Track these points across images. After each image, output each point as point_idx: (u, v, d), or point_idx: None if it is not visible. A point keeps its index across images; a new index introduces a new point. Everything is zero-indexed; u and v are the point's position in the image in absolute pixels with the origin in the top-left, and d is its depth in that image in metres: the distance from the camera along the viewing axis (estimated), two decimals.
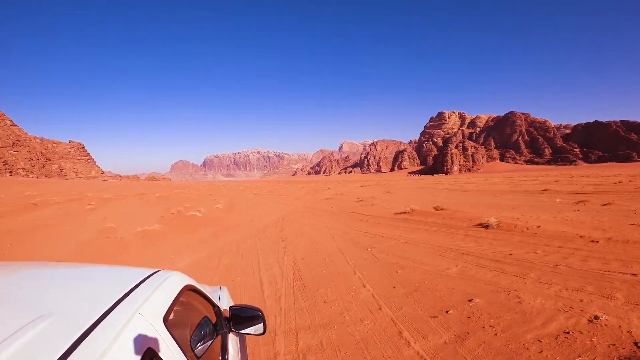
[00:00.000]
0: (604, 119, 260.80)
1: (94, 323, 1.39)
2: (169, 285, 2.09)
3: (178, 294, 2.11)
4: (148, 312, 1.66)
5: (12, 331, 1.26)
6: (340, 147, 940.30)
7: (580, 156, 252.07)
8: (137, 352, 1.40)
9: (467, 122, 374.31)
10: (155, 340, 1.56)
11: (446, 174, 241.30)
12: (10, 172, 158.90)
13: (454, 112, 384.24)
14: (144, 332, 1.52)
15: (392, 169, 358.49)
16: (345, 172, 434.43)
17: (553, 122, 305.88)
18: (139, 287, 1.87)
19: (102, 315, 1.47)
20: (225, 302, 3.44)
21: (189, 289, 2.37)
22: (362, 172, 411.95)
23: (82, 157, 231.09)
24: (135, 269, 2.27)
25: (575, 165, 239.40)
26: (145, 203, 30.84)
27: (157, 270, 2.26)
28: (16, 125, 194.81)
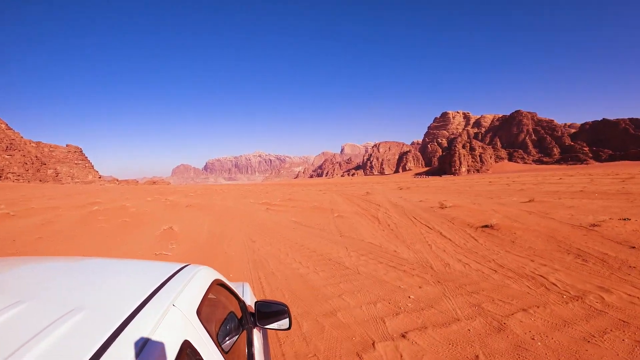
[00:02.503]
0: (605, 117, 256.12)
1: (129, 316, 1.40)
2: (199, 279, 2.13)
3: (209, 287, 2.16)
4: (182, 305, 1.70)
5: (45, 325, 1.25)
6: (342, 150, 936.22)
7: (591, 155, 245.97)
8: (175, 344, 1.42)
9: (471, 122, 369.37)
10: (191, 332, 1.59)
11: (454, 174, 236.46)
12: (0, 176, 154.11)
13: (458, 112, 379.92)
14: (180, 324, 1.56)
15: (396, 171, 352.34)
16: (348, 175, 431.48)
17: (557, 122, 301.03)
18: (171, 280, 1.90)
19: (137, 308, 1.48)
20: (249, 298, 3.54)
21: (217, 284, 2.41)
22: (365, 174, 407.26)
23: (80, 162, 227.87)
24: (165, 263, 2.32)
25: (587, 164, 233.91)
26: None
27: (186, 264, 2.30)
28: (11, 129, 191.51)
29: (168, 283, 1.83)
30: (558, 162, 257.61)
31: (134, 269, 2.17)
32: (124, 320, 1.34)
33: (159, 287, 1.74)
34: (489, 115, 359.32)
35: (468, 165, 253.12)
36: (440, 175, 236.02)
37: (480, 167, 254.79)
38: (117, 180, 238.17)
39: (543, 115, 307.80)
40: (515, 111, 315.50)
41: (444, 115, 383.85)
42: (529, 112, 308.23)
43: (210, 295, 2.20)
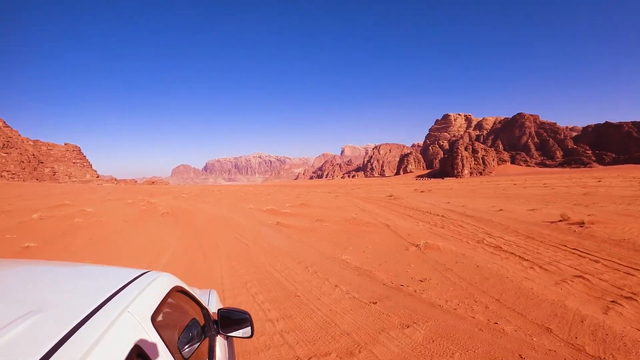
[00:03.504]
0: (607, 120, 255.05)
1: (82, 319, 1.43)
2: (157, 286, 2.12)
3: (167, 294, 2.14)
4: (136, 311, 1.70)
5: (1, 325, 1.31)
6: (342, 151, 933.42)
7: (594, 158, 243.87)
8: (123, 349, 1.45)
9: (473, 124, 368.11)
10: (142, 339, 1.60)
11: (457, 177, 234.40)
12: None
13: (459, 115, 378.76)
14: (131, 330, 1.57)
15: (397, 173, 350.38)
16: (348, 176, 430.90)
17: (560, 125, 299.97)
18: (128, 286, 1.91)
19: (91, 312, 1.51)
20: (214, 305, 3.55)
21: (177, 290, 2.39)
22: (366, 176, 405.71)
23: (78, 160, 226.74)
24: (126, 269, 2.31)
25: (590, 167, 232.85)
26: None
27: (147, 270, 2.29)
28: (8, 127, 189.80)
29: (125, 288, 1.84)
30: (561, 165, 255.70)
31: (95, 274, 2.20)
32: (77, 324, 1.37)
33: (116, 292, 1.76)
34: (491, 117, 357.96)
35: (470, 168, 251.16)
36: (442, 177, 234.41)
37: (483, 170, 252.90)
38: (115, 179, 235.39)
39: (545, 118, 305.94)
40: (518, 114, 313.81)
41: (446, 117, 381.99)
42: (531, 115, 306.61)
43: (171, 301, 2.20)
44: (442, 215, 19.73)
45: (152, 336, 1.66)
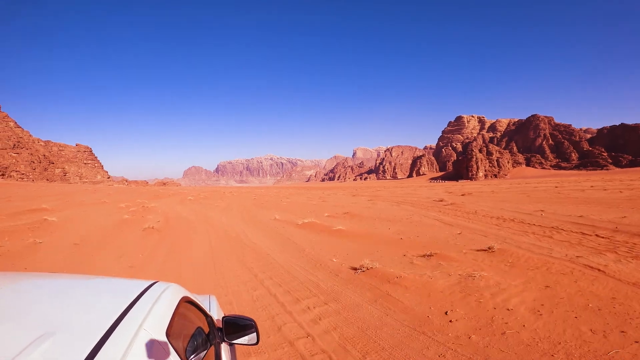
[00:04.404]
0: (623, 121, 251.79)
1: (100, 340, 1.38)
2: (167, 298, 2.12)
3: (177, 306, 2.15)
4: (152, 327, 1.67)
5: (16, 352, 1.22)
6: (354, 154, 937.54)
7: (610, 160, 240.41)
8: None
9: (487, 126, 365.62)
10: (161, 356, 1.58)
11: (471, 179, 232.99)
12: (2, 175, 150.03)
13: (473, 116, 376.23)
14: (150, 348, 1.54)
15: (409, 175, 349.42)
16: (361, 179, 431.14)
17: (574, 126, 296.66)
18: (139, 300, 1.88)
19: (107, 331, 1.46)
20: (215, 312, 3.50)
21: (185, 301, 2.40)
22: (378, 178, 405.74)
23: (89, 161, 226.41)
24: (132, 280, 2.32)
25: (607, 170, 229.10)
26: None
27: (154, 282, 2.28)
28: (19, 127, 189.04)
29: (137, 303, 1.81)
30: (577, 167, 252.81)
31: (103, 288, 2.18)
32: (95, 347, 1.31)
33: (128, 307, 1.72)
34: (505, 119, 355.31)
35: (485, 170, 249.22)
36: (456, 180, 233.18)
37: (498, 172, 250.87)
38: (127, 180, 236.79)
39: (559, 119, 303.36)
40: (532, 115, 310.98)
41: (459, 119, 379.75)
42: (545, 117, 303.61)
43: (179, 311, 2.20)
44: (581, 233, 14.08)
45: (170, 352, 1.64)
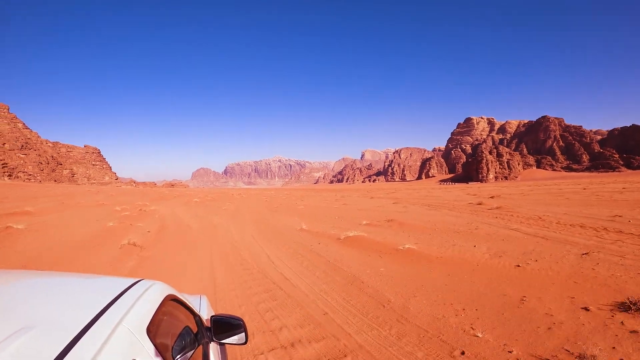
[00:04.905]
0: (634, 122, 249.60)
1: (77, 335, 1.38)
2: (151, 296, 2.10)
3: (160, 304, 2.12)
4: (131, 324, 1.66)
5: None
6: (363, 156, 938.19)
7: (622, 162, 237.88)
8: None
9: (496, 127, 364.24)
10: (139, 352, 1.57)
11: (481, 182, 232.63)
12: (10, 175, 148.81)
13: (482, 118, 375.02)
14: (128, 344, 1.54)
15: (419, 177, 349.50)
16: (369, 181, 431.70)
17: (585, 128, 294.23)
18: (122, 297, 1.87)
19: (85, 327, 1.46)
20: (205, 311, 3.49)
21: (170, 299, 2.36)
22: (387, 180, 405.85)
23: (97, 163, 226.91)
24: (118, 278, 2.31)
25: (619, 171, 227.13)
26: None
27: (139, 279, 2.26)
28: (28, 129, 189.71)
29: (119, 300, 1.81)
30: (588, 169, 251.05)
31: (87, 285, 2.21)
32: (71, 341, 1.32)
33: (109, 303, 1.73)
34: (514, 120, 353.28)
35: (495, 172, 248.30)
36: (466, 182, 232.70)
37: (509, 174, 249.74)
38: (135, 182, 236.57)
39: (569, 121, 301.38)
40: (542, 117, 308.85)
41: (468, 120, 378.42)
42: (555, 118, 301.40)
43: (164, 309, 2.18)
44: None
45: (149, 349, 1.62)
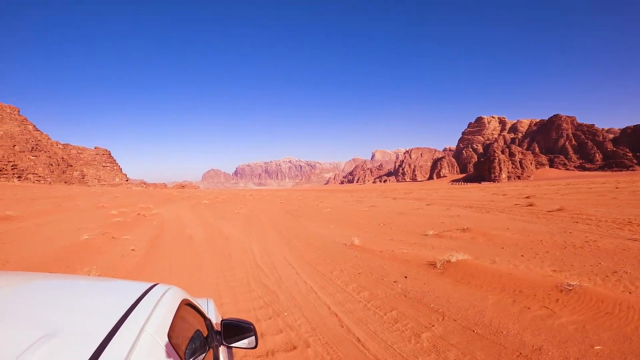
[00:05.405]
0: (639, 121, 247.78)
1: (101, 343, 1.35)
2: (168, 300, 2.13)
3: (177, 309, 2.15)
4: (154, 329, 1.68)
5: (16, 354, 1.19)
6: (373, 156, 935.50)
7: (635, 161, 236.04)
8: None
9: (507, 127, 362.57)
10: (164, 358, 1.58)
11: (494, 181, 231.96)
12: (20, 177, 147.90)
13: (493, 117, 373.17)
14: (152, 350, 1.53)
15: (430, 177, 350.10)
16: (380, 181, 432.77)
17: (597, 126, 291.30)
18: (141, 302, 1.89)
19: (109, 333, 1.44)
20: (214, 315, 3.51)
21: (185, 304, 2.40)
22: (397, 180, 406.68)
23: (108, 164, 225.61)
24: (133, 282, 2.37)
25: (633, 170, 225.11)
26: None
27: (154, 284, 2.30)
28: (38, 131, 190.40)
29: (138, 305, 1.81)
30: (602, 168, 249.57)
31: (104, 289, 2.22)
32: (97, 349, 1.29)
33: (129, 309, 1.73)
34: (526, 120, 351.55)
35: (508, 172, 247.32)
36: (479, 182, 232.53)
37: (521, 174, 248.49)
38: (145, 183, 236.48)
39: (581, 119, 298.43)
40: (554, 115, 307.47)
41: (479, 120, 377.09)
42: (568, 117, 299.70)
43: (179, 314, 2.20)
44: None
45: (172, 354, 1.63)
